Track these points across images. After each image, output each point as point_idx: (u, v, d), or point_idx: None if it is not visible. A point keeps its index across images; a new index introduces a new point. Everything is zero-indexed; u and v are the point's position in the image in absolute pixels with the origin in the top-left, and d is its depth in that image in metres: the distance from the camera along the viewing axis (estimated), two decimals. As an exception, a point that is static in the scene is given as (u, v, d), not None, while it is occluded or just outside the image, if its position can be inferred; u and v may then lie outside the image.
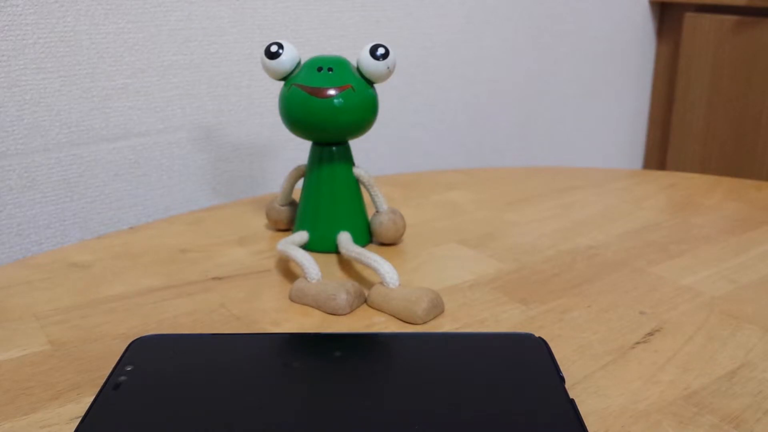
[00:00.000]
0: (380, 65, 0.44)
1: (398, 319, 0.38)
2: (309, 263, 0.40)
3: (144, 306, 0.39)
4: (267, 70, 0.44)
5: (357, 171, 0.47)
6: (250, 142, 0.65)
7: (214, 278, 0.43)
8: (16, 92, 0.53)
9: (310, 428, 0.26)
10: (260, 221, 0.53)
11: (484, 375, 0.29)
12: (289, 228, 0.50)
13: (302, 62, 0.45)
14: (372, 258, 0.41)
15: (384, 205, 0.47)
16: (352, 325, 0.37)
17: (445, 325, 0.37)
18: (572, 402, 0.28)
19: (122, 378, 0.29)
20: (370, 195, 0.47)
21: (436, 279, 0.43)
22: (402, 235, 0.48)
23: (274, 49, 0.44)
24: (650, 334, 0.36)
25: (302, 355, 0.31)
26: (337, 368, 0.30)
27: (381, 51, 0.43)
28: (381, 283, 0.39)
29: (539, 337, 0.32)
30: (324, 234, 0.46)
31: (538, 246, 0.48)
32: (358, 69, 0.45)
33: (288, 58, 0.44)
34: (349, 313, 0.38)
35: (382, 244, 0.48)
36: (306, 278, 0.40)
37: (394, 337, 0.32)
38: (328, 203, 0.46)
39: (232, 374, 0.29)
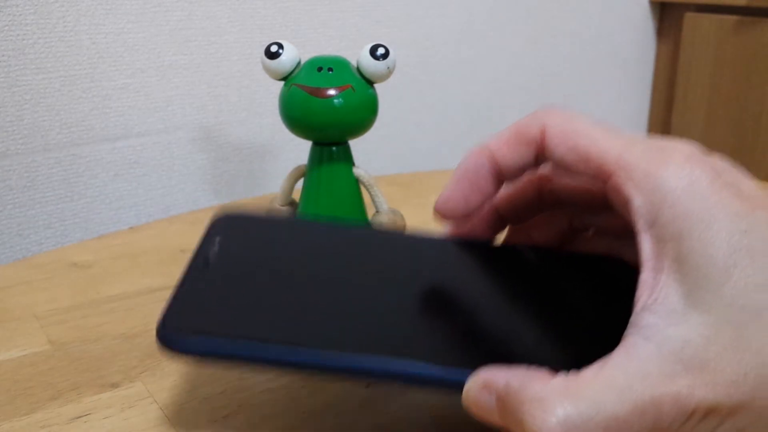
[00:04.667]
0: (380, 65, 0.44)
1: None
2: (309, 263, 0.40)
3: (144, 306, 0.39)
4: (267, 70, 0.44)
5: (357, 171, 0.47)
6: (250, 142, 0.65)
7: (214, 278, 0.43)
8: (16, 92, 0.53)
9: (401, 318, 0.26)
10: (260, 221, 0.53)
11: (574, 291, 0.29)
12: (289, 228, 0.50)
13: (302, 62, 0.45)
14: (372, 258, 0.41)
15: (384, 205, 0.47)
16: (352, 325, 0.37)
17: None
18: None
19: (212, 251, 0.28)
20: (370, 195, 0.47)
21: (436, 279, 0.43)
22: (402, 235, 0.48)
23: (274, 49, 0.44)
24: (650, 334, 0.36)
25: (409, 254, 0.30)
26: (432, 271, 0.29)
27: (381, 51, 0.43)
28: (381, 283, 0.39)
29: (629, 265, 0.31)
30: (324, 234, 0.46)
31: (538, 246, 0.48)
32: (358, 69, 0.45)
33: (288, 58, 0.44)
34: (349, 313, 0.38)
35: (382, 244, 0.48)
36: (306, 278, 0.40)
37: (498, 249, 0.32)
38: (328, 203, 0.46)
39: (323, 259, 0.29)
